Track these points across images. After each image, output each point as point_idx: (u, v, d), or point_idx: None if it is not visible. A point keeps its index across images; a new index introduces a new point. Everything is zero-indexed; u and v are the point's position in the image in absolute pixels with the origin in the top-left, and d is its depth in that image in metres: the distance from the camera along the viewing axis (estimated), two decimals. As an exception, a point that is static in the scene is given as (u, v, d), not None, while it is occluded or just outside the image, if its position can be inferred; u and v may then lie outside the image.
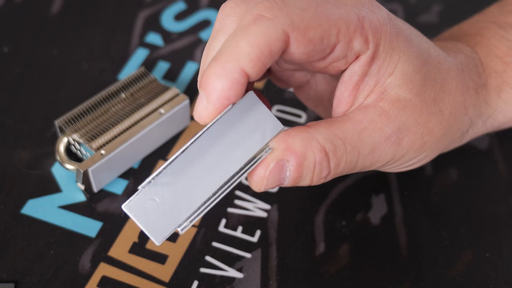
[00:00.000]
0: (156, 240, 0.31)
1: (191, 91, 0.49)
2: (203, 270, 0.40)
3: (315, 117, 0.47)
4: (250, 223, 0.42)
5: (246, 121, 0.32)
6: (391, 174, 0.44)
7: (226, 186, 0.31)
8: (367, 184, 0.44)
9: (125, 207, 0.30)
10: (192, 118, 0.47)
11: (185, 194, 0.31)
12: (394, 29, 0.34)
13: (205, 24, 0.53)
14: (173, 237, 0.41)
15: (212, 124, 0.31)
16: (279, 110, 0.48)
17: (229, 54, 0.30)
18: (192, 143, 0.31)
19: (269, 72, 0.39)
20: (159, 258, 0.41)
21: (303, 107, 0.48)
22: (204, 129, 0.31)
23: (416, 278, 0.40)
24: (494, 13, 0.43)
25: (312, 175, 0.33)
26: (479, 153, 0.45)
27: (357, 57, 0.33)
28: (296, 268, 0.40)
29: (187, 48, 0.51)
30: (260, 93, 0.36)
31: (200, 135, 0.31)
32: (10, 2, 0.54)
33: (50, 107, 0.48)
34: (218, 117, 0.31)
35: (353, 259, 0.41)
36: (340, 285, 0.40)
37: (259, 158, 0.32)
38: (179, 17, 0.54)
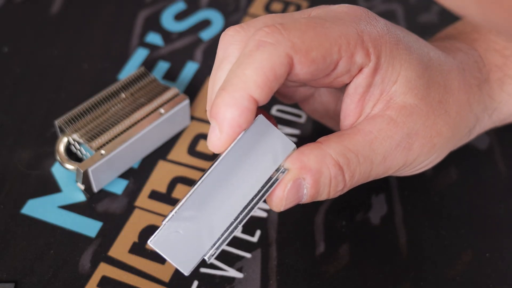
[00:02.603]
0: (185, 271, 0.32)
1: (191, 91, 0.49)
2: (203, 270, 0.40)
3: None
4: (250, 223, 0.42)
5: (259, 145, 0.32)
6: (391, 174, 0.44)
7: (246, 211, 0.32)
8: (367, 184, 0.44)
9: (151, 242, 0.31)
10: (192, 118, 0.47)
11: (207, 223, 0.32)
12: (394, 39, 0.34)
13: (205, 24, 0.53)
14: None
15: (227, 152, 0.31)
16: (279, 110, 0.48)
17: (236, 82, 0.31)
18: (209, 173, 0.31)
19: None
20: (159, 258, 0.41)
21: (303, 107, 0.48)
22: (220, 158, 0.32)
23: (416, 278, 0.40)
24: None
25: (329, 190, 0.33)
26: (479, 153, 0.45)
27: (360, 70, 0.33)
28: (296, 268, 0.40)
29: (187, 48, 0.51)
30: (266, 112, 0.37)
31: (216, 165, 0.31)
32: (10, 2, 0.54)
33: (50, 107, 0.48)
34: (232, 144, 0.31)
35: (353, 259, 0.41)
36: (340, 285, 0.40)
37: (276, 179, 0.32)
38: (179, 17, 0.54)
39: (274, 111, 0.48)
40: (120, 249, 0.41)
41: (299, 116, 0.47)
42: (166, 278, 0.40)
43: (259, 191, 0.32)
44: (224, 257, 0.41)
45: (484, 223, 0.43)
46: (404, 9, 0.54)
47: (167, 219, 0.31)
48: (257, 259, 0.41)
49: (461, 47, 0.40)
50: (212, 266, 0.40)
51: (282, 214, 0.43)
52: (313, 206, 0.43)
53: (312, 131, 0.47)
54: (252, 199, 0.32)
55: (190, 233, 0.31)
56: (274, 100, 0.48)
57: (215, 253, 0.32)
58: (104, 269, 0.40)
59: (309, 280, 0.40)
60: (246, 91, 0.30)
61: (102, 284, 0.40)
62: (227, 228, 0.32)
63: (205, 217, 0.31)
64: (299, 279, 0.40)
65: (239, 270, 0.40)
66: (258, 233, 0.42)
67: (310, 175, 0.32)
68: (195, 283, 0.40)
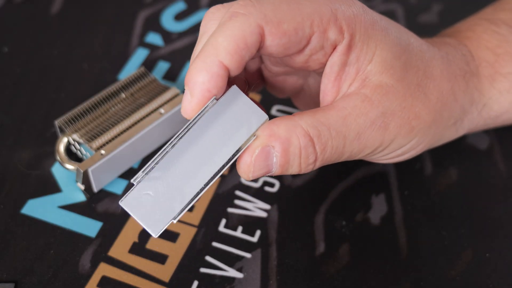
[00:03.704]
0: (154, 232, 0.32)
1: (191, 91, 0.49)
2: (203, 270, 0.40)
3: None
4: (250, 223, 0.42)
5: (232, 114, 0.33)
6: (391, 174, 0.44)
7: (216, 176, 0.32)
8: (367, 184, 0.44)
9: (122, 202, 0.32)
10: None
11: (178, 186, 0.32)
12: (369, 19, 0.35)
13: (205, 24, 0.53)
14: (173, 237, 0.42)
15: (199, 118, 0.32)
16: (279, 110, 0.48)
17: (208, 49, 0.32)
18: (180, 137, 0.32)
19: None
20: (159, 258, 0.41)
21: (303, 107, 0.48)
22: (191, 122, 0.32)
23: (416, 278, 0.40)
24: (486, 12, 0.44)
25: (300, 161, 0.33)
26: (479, 153, 0.45)
27: (334, 48, 0.34)
28: (296, 268, 0.40)
29: (187, 48, 0.51)
30: (245, 88, 0.37)
31: (188, 129, 0.32)
32: (10, 2, 0.54)
33: (50, 107, 0.48)
34: (204, 110, 0.32)
35: (353, 259, 0.41)
36: (340, 285, 0.40)
37: (246, 147, 0.33)
38: (179, 17, 0.54)
39: (274, 111, 0.48)
40: (120, 249, 0.41)
41: (299, 116, 0.47)
42: (166, 278, 0.40)
43: (229, 159, 0.32)
44: (224, 257, 0.41)
45: (484, 223, 0.43)
46: (404, 9, 0.54)
47: (137, 179, 0.32)
48: (257, 259, 0.41)
49: (450, 41, 0.40)
50: (212, 266, 0.40)
51: (282, 214, 0.43)
52: (313, 206, 0.43)
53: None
54: (223, 165, 0.32)
55: (160, 195, 0.32)
56: (274, 100, 0.48)
57: (181, 215, 0.32)
58: (104, 269, 0.40)
59: (309, 280, 0.40)
60: (216, 57, 0.32)
61: (102, 284, 0.40)
62: (197, 193, 0.32)
63: (176, 180, 0.32)
64: (299, 279, 0.40)
65: (239, 270, 0.40)
66: (258, 233, 0.42)
67: (279, 142, 0.33)
68: (195, 283, 0.40)
